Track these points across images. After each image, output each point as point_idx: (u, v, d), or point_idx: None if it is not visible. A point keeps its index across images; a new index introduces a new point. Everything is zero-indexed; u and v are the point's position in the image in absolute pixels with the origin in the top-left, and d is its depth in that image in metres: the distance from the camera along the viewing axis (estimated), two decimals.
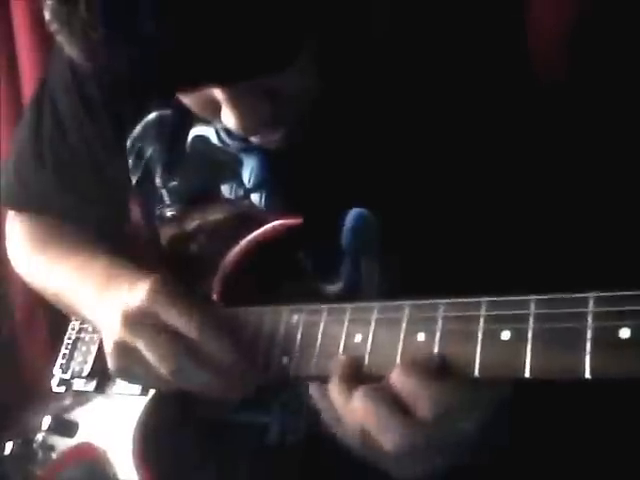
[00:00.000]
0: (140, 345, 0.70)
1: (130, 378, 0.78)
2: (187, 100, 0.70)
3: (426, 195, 0.73)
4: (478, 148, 0.72)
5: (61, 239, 0.96)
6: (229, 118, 0.65)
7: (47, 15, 0.57)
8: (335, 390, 0.61)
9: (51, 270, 0.93)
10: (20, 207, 1.02)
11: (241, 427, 0.86)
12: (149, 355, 0.70)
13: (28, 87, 1.27)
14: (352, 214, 0.76)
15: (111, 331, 0.73)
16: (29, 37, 1.23)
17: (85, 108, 0.90)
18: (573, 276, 0.59)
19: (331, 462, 0.81)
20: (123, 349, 0.72)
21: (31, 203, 0.99)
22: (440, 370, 0.56)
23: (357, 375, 0.61)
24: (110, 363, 0.75)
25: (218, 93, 0.64)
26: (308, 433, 0.82)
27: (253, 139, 0.72)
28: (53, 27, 0.57)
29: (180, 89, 0.65)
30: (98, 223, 0.97)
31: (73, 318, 0.98)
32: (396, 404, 0.57)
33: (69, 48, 0.57)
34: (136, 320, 0.71)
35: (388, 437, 0.57)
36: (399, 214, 0.74)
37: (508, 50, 0.72)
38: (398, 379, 0.57)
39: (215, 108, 0.66)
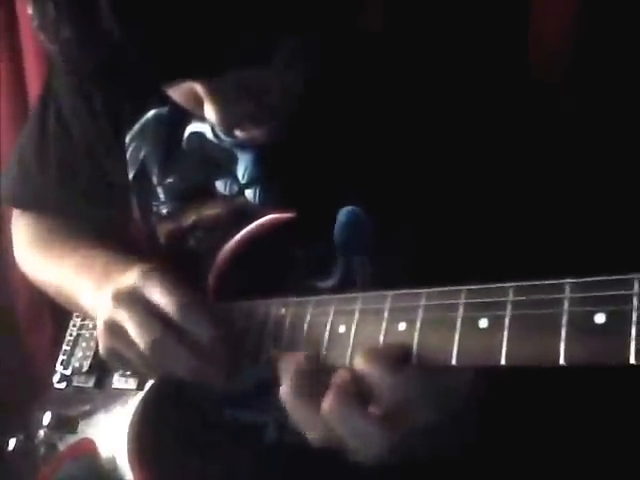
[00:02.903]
0: (124, 320, 0.72)
1: (117, 359, 0.77)
2: (173, 94, 0.70)
3: (417, 192, 0.73)
4: (469, 145, 0.72)
5: (63, 237, 0.97)
6: (210, 113, 0.65)
7: (29, 10, 0.59)
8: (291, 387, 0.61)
9: (53, 267, 0.94)
10: (23, 206, 1.03)
11: (239, 426, 0.85)
12: (131, 329, 0.71)
13: (33, 88, 1.28)
14: (344, 211, 0.76)
15: (102, 312, 0.75)
16: (33, 36, 1.24)
17: (87, 107, 0.91)
18: (555, 264, 0.58)
19: (328, 461, 0.81)
20: (111, 327, 0.74)
21: (33, 202, 1.01)
22: (403, 359, 0.56)
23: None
24: (100, 343, 0.76)
25: (199, 87, 0.64)
26: None
27: (237, 134, 0.72)
28: (34, 23, 0.59)
29: (153, 84, 0.66)
30: (101, 222, 0.98)
31: (75, 314, 0.99)
32: (357, 393, 0.57)
33: (46, 45, 0.59)
34: (124, 298, 0.73)
35: (347, 427, 0.57)
36: (391, 211, 0.74)
37: (506, 45, 0.72)
38: (361, 367, 0.57)
39: (200, 102, 0.66)
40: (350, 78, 0.73)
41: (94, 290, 0.82)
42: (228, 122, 0.67)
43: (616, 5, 0.73)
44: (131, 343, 0.72)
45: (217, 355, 0.70)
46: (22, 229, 1.03)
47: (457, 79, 0.72)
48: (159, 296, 0.72)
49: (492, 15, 0.73)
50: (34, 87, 1.27)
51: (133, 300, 0.72)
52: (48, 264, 0.96)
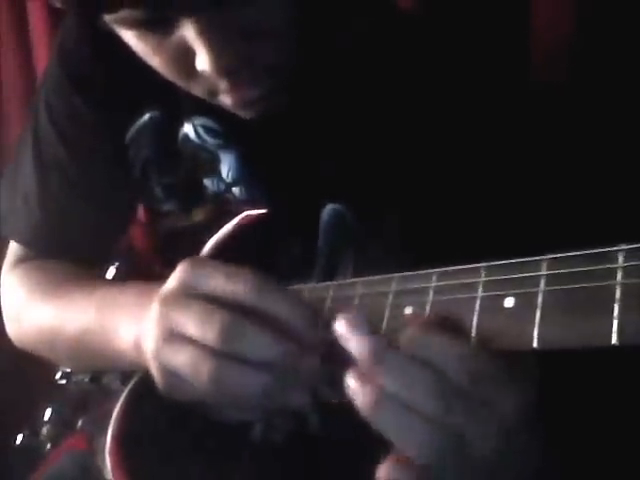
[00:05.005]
0: (182, 323, 0.57)
1: (181, 389, 0.61)
2: (158, 61, 0.67)
3: (402, 189, 0.72)
4: (455, 143, 0.71)
5: (73, 280, 0.86)
6: (202, 58, 0.62)
7: None
8: None
9: (66, 309, 0.81)
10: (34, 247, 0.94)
11: (225, 424, 0.85)
12: (193, 326, 0.56)
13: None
14: (328, 210, 0.76)
15: (150, 330, 0.60)
16: (45, 33, 1.27)
17: (81, 117, 0.89)
18: None
19: (314, 459, 0.80)
20: (165, 340, 0.58)
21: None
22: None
23: None
24: (158, 377, 0.61)
25: (190, 32, 0.61)
26: (292, 430, 0.82)
27: (226, 100, 0.69)
28: None
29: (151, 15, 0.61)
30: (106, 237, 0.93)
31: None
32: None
33: None
34: (175, 298, 0.59)
35: None
36: (375, 209, 0.73)
37: (507, 43, 0.72)
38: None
39: (190, 61, 0.64)
40: (333, 72, 0.73)
41: (132, 322, 0.67)
42: (221, 65, 0.62)
43: (616, 6, 0.72)
44: (197, 346, 0.56)
45: (311, 337, 0.56)
46: (22, 276, 0.92)
47: (453, 76, 0.71)
48: (223, 282, 0.57)
49: (494, 12, 0.73)
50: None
51: (188, 297, 0.58)
52: (55, 309, 0.83)
